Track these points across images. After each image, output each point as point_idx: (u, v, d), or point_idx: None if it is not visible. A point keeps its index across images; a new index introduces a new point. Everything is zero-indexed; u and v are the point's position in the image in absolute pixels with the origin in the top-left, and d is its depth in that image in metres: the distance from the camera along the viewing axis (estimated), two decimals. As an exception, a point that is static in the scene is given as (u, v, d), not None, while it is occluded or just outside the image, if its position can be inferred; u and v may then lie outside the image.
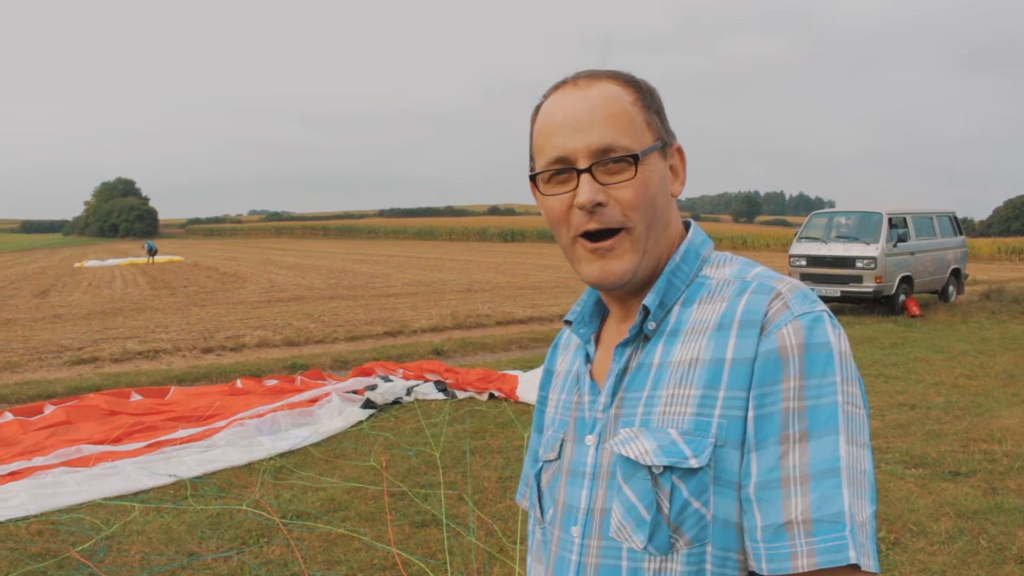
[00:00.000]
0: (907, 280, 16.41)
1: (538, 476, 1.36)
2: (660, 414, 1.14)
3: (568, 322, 1.35)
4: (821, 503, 1.02)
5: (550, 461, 1.32)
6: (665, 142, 1.22)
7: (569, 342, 1.43)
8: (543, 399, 1.46)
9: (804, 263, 16.63)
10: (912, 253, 16.53)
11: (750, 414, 1.07)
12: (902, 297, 16.26)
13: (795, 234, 17.81)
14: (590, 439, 1.23)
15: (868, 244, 15.92)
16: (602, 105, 1.17)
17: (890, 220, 16.12)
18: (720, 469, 1.09)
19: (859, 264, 15.85)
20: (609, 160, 1.15)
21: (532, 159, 1.25)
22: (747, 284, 1.15)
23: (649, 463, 1.12)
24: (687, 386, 1.13)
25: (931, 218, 17.62)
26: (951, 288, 18.39)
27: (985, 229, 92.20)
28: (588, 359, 1.31)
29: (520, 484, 1.53)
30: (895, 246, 15.97)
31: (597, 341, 1.32)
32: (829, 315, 1.12)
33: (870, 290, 15.75)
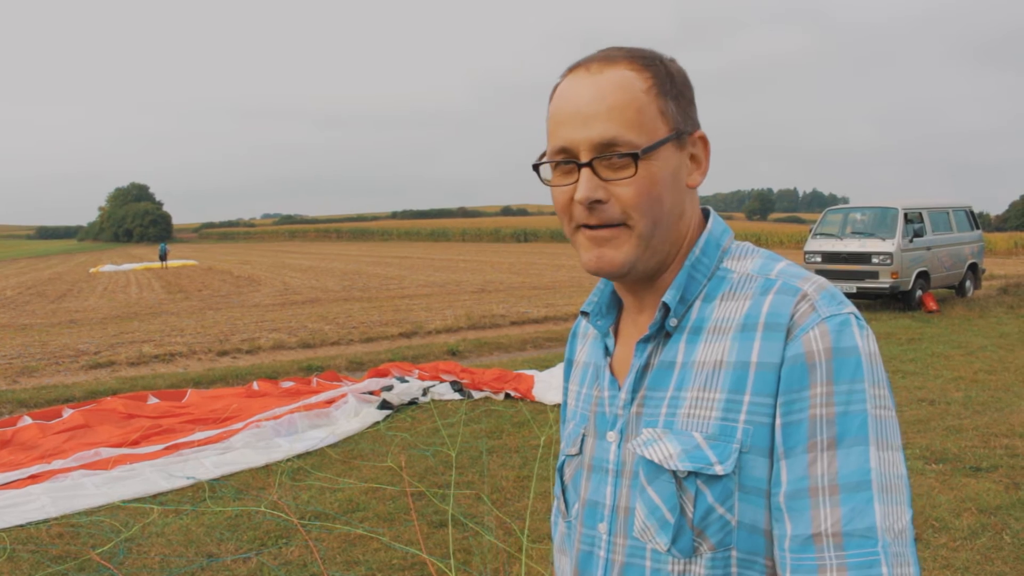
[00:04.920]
0: (924, 275, 16.30)
1: (561, 470, 1.34)
2: (684, 416, 1.11)
3: (585, 313, 1.32)
4: (852, 516, 0.99)
5: (572, 456, 1.30)
6: (682, 131, 1.15)
7: (587, 331, 1.39)
8: (565, 389, 1.44)
9: (819, 259, 16.54)
10: (928, 248, 16.41)
11: (777, 421, 1.05)
12: (919, 292, 16.14)
13: (810, 231, 17.71)
14: (611, 435, 1.21)
15: (884, 240, 15.82)
16: (609, 95, 1.10)
17: (906, 215, 16.01)
18: (745, 476, 1.06)
19: (875, 260, 15.75)
20: (611, 155, 1.10)
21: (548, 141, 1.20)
22: (771, 282, 1.11)
23: (673, 467, 1.10)
24: (712, 389, 1.10)
25: (947, 212, 17.49)
26: (968, 283, 18.25)
27: (1001, 224, 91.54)
28: (607, 352, 1.28)
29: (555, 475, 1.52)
30: (911, 241, 15.86)
31: (615, 333, 1.29)
32: (856, 316, 1.08)
33: (886, 286, 15.65)
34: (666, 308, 1.16)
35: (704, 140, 1.21)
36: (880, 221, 16.30)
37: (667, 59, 1.18)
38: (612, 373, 1.25)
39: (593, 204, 1.11)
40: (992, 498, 5.45)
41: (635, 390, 1.19)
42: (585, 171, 1.11)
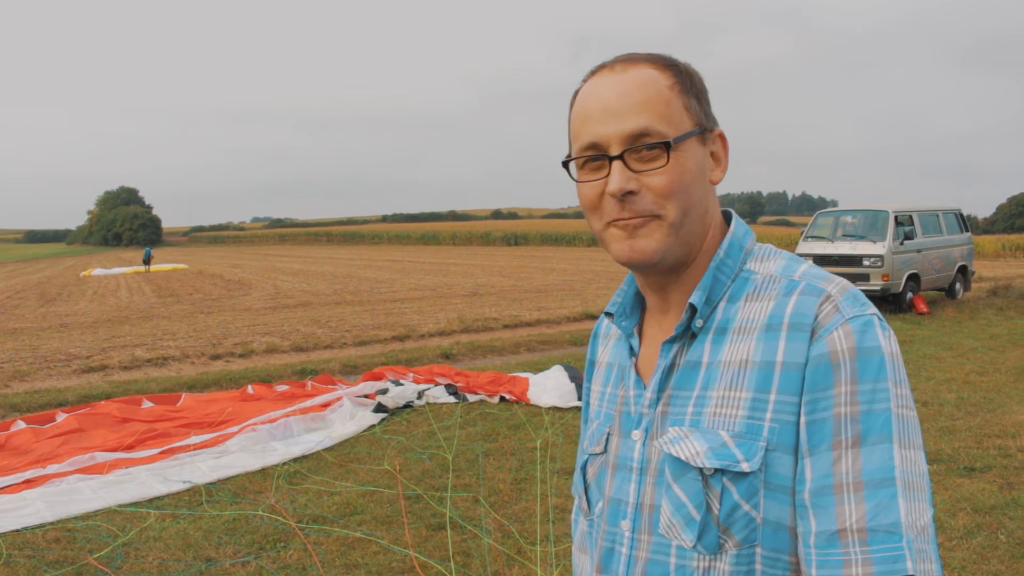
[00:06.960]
0: (914, 278, 16.37)
1: (584, 468, 1.35)
2: (711, 415, 1.13)
3: (609, 314, 1.33)
4: (877, 512, 1.01)
5: (596, 454, 1.31)
6: (704, 127, 1.19)
7: (610, 331, 1.41)
8: (588, 390, 1.45)
9: (811, 262, 16.56)
10: (919, 251, 16.49)
11: (802, 420, 1.06)
12: (909, 295, 16.22)
13: (801, 233, 17.76)
14: (636, 434, 1.22)
15: (875, 242, 15.89)
16: (637, 89, 1.14)
17: (896, 218, 16.09)
18: (771, 473, 1.08)
19: (866, 262, 15.82)
20: (642, 147, 1.12)
21: (570, 144, 1.22)
22: (795, 284, 1.14)
23: (700, 465, 1.11)
24: (738, 388, 1.11)
25: (937, 215, 17.58)
26: (958, 285, 18.33)
27: (989, 226, 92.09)
28: (633, 352, 1.29)
29: (575, 475, 1.54)
30: (902, 244, 15.94)
31: (639, 333, 1.31)
32: (879, 317, 1.10)
33: (877, 288, 15.71)
34: (693, 309, 1.18)
35: (723, 138, 1.24)
36: (871, 224, 16.37)
37: (683, 63, 1.21)
38: (637, 373, 1.27)
39: (625, 196, 1.13)
40: (987, 498, 5.49)
41: (661, 389, 1.20)
42: (617, 163, 1.13)
